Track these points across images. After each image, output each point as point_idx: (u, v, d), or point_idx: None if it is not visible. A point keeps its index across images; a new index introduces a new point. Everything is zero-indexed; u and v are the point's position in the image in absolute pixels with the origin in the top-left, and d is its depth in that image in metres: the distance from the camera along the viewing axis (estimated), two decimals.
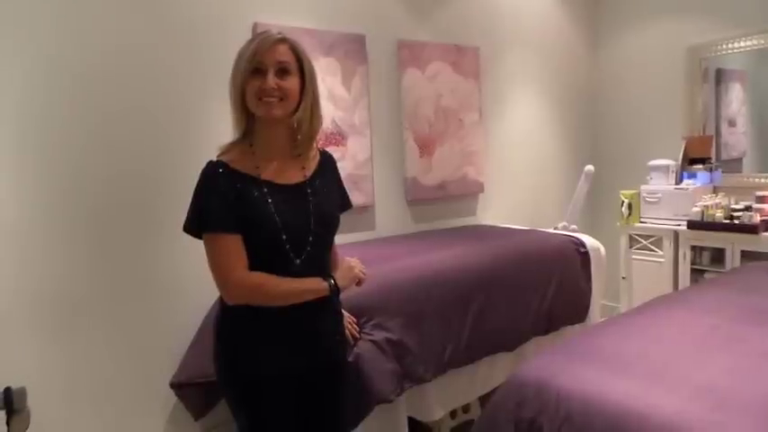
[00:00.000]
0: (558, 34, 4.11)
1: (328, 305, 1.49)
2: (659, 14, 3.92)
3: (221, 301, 1.43)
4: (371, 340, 2.00)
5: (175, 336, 2.42)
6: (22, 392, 0.92)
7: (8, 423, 0.91)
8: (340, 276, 1.48)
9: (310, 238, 1.40)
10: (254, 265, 1.36)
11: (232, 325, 1.43)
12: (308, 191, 1.44)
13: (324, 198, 1.47)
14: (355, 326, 1.92)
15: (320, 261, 1.47)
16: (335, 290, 1.45)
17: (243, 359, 1.42)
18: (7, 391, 0.91)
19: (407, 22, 3.27)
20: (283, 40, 1.41)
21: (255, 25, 2.65)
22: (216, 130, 2.13)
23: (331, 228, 1.50)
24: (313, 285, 1.41)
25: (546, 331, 2.72)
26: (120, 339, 2.36)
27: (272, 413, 1.44)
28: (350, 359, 1.92)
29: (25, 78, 2.12)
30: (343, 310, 1.72)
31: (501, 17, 3.75)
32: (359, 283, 1.55)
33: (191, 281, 2.45)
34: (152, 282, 2.43)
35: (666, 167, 3.62)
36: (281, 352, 1.41)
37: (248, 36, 2.61)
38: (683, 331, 1.78)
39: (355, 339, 1.91)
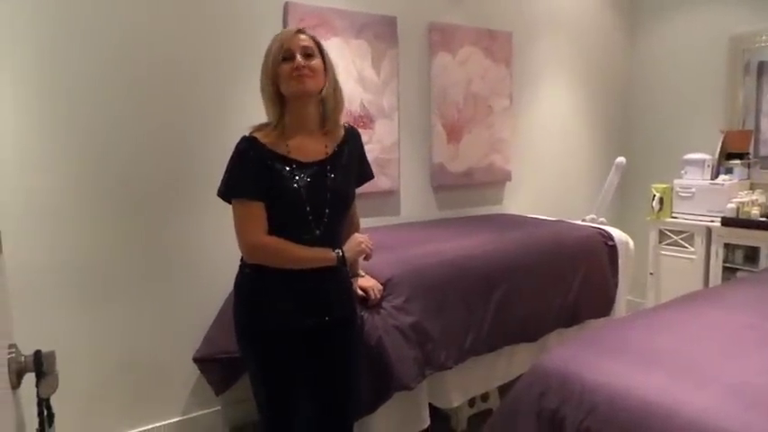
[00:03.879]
0: (594, 21, 4.00)
1: (336, 272, 1.62)
2: (701, 2, 3.78)
3: (241, 260, 1.61)
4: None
5: (199, 312, 2.46)
6: (52, 356, 0.94)
7: (37, 385, 0.93)
8: (348, 249, 1.63)
9: (327, 210, 1.56)
10: (281, 232, 1.53)
11: (248, 281, 1.60)
12: (328, 167, 1.59)
13: (342, 174, 1.61)
14: (379, 292, 1.96)
15: (336, 231, 1.62)
16: (342, 260, 1.59)
17: (255, 312, 1.59)
18: (37, 353, 0.92)
19: (439, 5, 3.21)
20: (302, 30, 1.58)
21: (287, 5, 2.63)
22: (245, 110, 2.14)
23: (345, 202, 1.64)
24: (322, 254, 1.57)
25: (569, 323, 2.68)
26: (146, 312, 2.40)
27: (279, 364, 1.60)
28: (372, 343, 1.92)
29: (63, 53, 2.15)
30: (369, 277, 1.95)
31: (535, 2, 3.67)
32: (366, 257, 1.71)
33: (216, 259, 2.47)
34: (179, 258, 2.46)
35: (702, 161, 3.52)
36: (290, 309, 1.57)
37: (279, 17, 2.63)
38: (714, 328, 1.73)
39: (374, 303, 1.96)
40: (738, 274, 3.29)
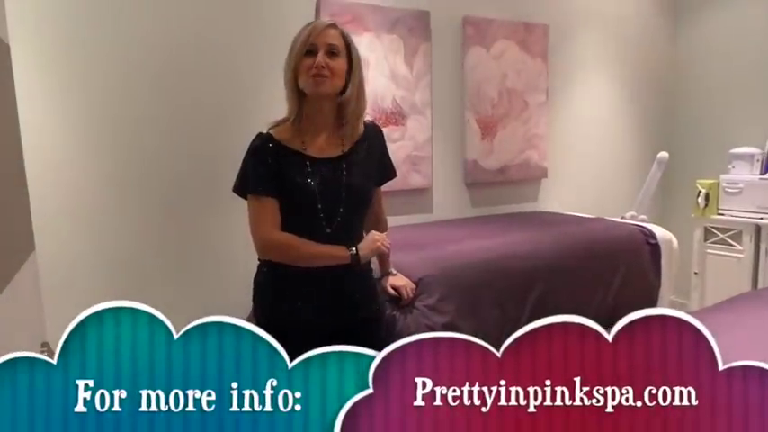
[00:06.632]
0: (635, 11, 3.86)
1: (358, 271, 1.58)
2: None
3: (259, 259, 1.60)
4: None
5: (229, 312, 2.46)
6: None
7: None
8: (363, 247, 1.57)
9: (341, 209, 1.53)
10: (291, 228, 1.51)
11: (266, 280, 1.58)
12: (344, 164, 1.55)
13: (359, 171, 1.56)
14: (412, 291, 1.90)
15: (350, 230, 1.58)
16: (356, 259, 1.54)
17: (275, 312, 1.56)
18: None
19: None
20: (334, 26, 1.52)
21: (319, 1, 2.62)
22: (274, 108, 2.13)
23: (361, 200, 1.59)
24: (334, 252, 1.52)
25: (609, 325, 2.57)
26: (177, 311, 2.41)
27: None
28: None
29: (95, 54, 2.20)
30: (401, 276, 1.87)
31: None
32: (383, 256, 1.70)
33: (247, 259, 2.48)
34: (213, 256, 2.49)
35: (751, 156, 3.37)
36: (310, 308, 1.54)
37: (311, 14, 2.62)
38: (766, 331, 1.63)
39: (407, 303, 1.92)
40: None
